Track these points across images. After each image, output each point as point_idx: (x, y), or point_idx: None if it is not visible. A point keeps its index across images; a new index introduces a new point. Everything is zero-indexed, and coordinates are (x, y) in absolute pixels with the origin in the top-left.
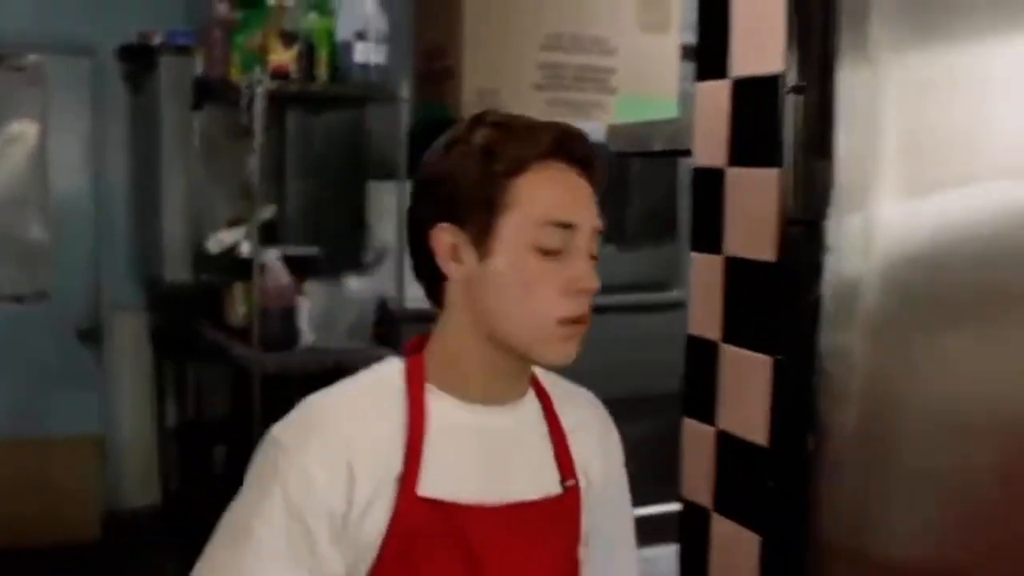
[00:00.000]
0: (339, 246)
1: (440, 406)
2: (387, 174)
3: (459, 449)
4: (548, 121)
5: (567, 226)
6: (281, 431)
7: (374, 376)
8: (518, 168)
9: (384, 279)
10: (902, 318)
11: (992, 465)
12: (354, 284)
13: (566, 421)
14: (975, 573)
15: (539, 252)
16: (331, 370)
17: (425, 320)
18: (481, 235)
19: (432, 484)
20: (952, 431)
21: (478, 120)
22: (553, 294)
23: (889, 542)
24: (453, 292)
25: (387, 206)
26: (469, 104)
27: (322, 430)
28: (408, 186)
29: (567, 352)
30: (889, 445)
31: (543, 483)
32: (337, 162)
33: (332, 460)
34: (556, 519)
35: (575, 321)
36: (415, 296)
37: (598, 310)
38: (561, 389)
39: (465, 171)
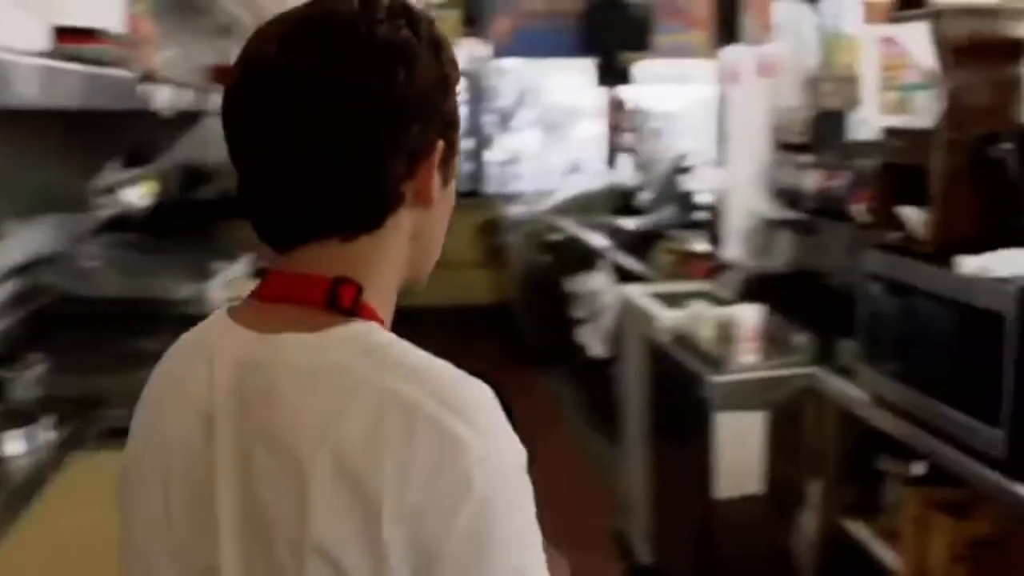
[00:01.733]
0: None
1: None
2: None
3: None
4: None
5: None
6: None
7: (396, 339)
8: (455, 88)
9: None
10: None
11: None
12: None
13: None
14: None
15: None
16: None
17: None
18: (451, 158)
19: None
20: None
21: (417, 15)
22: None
23: None
24: (404, 222)
25: None
26: None
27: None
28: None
29: None
30: None
31: None
32: None
33: None
34: None
35: None
36: None
37: None
38: None
39: (448, 81)
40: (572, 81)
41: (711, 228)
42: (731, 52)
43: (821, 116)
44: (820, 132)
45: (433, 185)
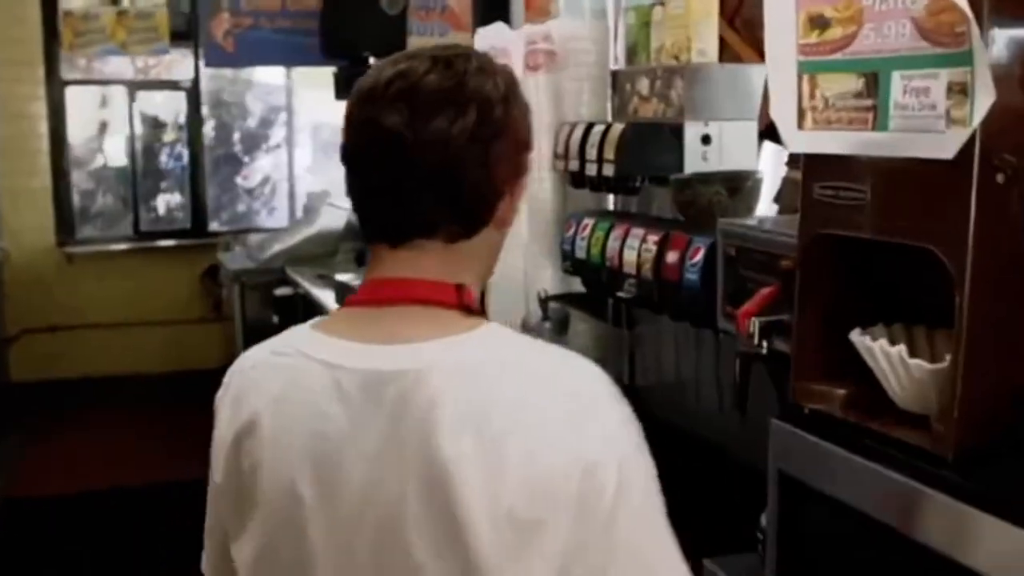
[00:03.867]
0: None
1: None
2: None
3: None
4: None
5: None
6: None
7: (532, 340)
8: None
9: None
10: None
11: None
12: None
13: None
14: None
15: None
16: None
17: None
18: (521, 179)
19: None
20: None
21: (496, 66)
22: None
23: None
24: (484, 239)
25: None
26: None
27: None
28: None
29: None
30: None
31: None
32: None
33: None
34: None
35: None
36: None
37: None
38: None
39: (529, 125)
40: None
41: None
42: (488, 35)
43: (636, 134)
44: (635, 161)
45: (517, 203)
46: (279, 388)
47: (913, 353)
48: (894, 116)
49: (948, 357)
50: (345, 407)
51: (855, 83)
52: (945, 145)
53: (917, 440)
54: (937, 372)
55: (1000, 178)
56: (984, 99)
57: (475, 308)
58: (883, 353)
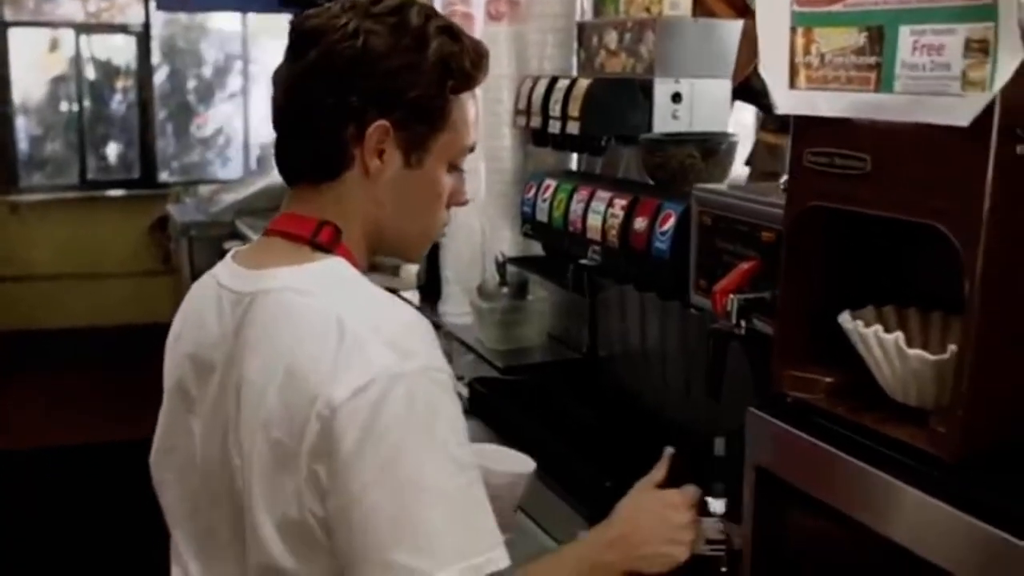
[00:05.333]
0: None
1: None
2: None
3: None
4: (473, 39)
5: (472, 149)
6: (403, 362)
7: (358, 279)
8: (464, 88)
9: None
10: None
11: None
12: None
13: None
14: None
15: (451, 167)
16: None
17: None
18: (415, 144)
19: None
20: None
21: (425, 16)
22: (443, 207)
23: None
24: (353, 184)
25: None
26: None
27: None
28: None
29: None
30: None
31: None
32: None
33: None
34: None
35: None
36: None
37: None
38: None
39: (421, 78)
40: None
41: (429, 272)
42: None
43: (602, 91)
44: (601, 119)
45: (376, 156)
46: (190, 304)
47: (907, 340)
48: (900, 76)
49: (950, 347)
50: (218, 319)
51: (856, 38)
52: (959, 111)
53: (915, 440)
54: (939, 364)
55: (1021, 150)
56: (1009, 60)
57: (326, 244)
58: (877, 341)
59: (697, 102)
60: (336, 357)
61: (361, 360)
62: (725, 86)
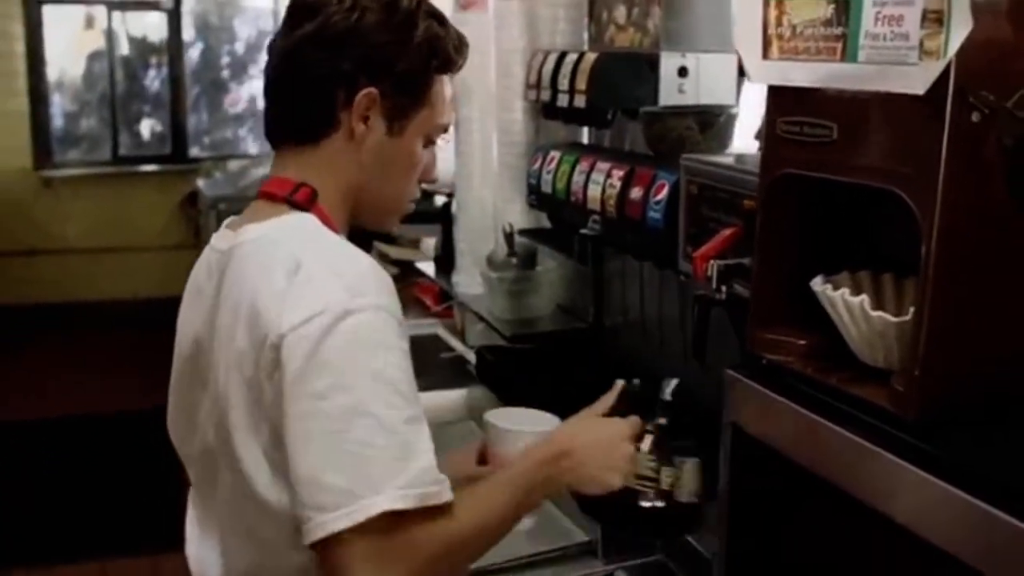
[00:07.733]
0: None
1: None
2: None
3: None
4: (458, 29)
5: (446, 129)
6: (353, 299)
7: (323, 231)
8: (445, 70)
9: None
10: None
11: None
12: None
13: None
14: None
15: (427, 142)
16: None
17: None
18: (398, 115)
19: None
20: None
21: (416, 2)
22: (416, 178)
23: None
24: (337, 146)
25: None
26: None
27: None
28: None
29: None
30: None
31: None
32: None
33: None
34: None
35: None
36: None
37: None
38: None
39: (409, 54)
40: None
41: (444, 243)
42: None
43: (609, 64)
44: (607, 92)
45: (362, 121)
46: (193, 272)
47: (879, 304)
48: (864, 46)
49: (911, 310)
50: (209, 280)
51: (824, 9)
52: (916, 79)
53: (877, 399)
54: (901, 325)
55: (976, 117)
56: (960, 29)
57: (302, 203)
58: (844, 304)
59: (704, 76)
60: (290, 290)
61: (313, 293)
62: (732, 61)
